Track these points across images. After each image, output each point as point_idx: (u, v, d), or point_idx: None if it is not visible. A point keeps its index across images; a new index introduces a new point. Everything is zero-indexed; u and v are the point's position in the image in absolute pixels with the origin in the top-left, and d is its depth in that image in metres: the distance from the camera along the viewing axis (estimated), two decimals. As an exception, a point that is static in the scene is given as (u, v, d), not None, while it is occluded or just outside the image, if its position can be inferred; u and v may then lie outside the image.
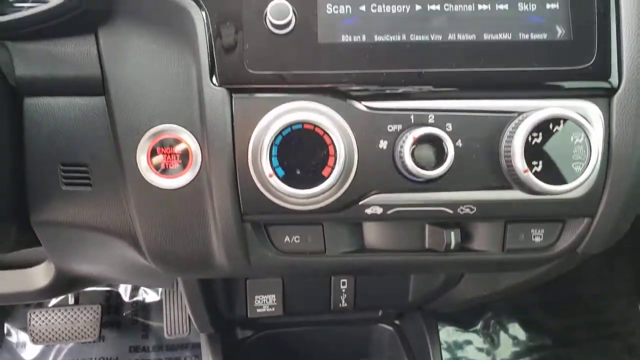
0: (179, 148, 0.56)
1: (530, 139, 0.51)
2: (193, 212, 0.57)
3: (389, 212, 0.55)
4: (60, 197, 0.59)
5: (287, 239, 0.58)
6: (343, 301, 0.88)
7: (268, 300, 0.86)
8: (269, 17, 0.52)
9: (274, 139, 0.50)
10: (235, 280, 0.88)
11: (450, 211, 0.55)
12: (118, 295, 1.52)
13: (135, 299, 1.54)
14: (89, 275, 0.79)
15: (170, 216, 0.57)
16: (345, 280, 0.86)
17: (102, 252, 0.68)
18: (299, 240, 0.58)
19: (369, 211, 0.55)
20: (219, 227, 0.56)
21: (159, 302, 1.52)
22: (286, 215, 0.55)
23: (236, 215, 0.55)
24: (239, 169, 0.53)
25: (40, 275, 0.79)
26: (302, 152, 0.50)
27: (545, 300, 1.35)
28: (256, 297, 0.85)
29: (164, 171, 0.57)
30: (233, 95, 0.54)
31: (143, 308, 1.55)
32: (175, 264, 0.61)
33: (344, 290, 0.87)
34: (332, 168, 0.50)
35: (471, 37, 0.54)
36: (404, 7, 0.54)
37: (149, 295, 1.54)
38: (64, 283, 0.79)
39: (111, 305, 1.53)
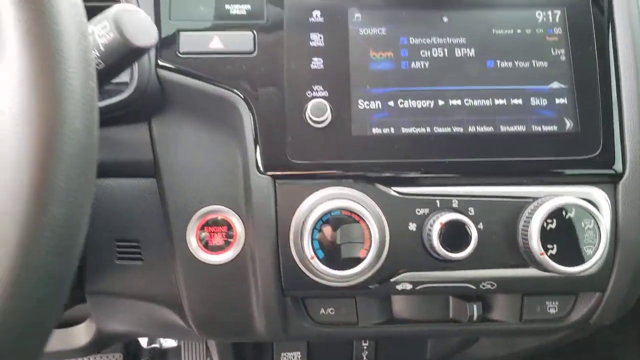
0: (224, 227, 0.62)
1: (545, 224, 0.56)
2: (236, 285, 0.62)
3: (418, 287, 0.60)
4: (114, 270, 0.65)
5: (322, 310, 0.63)
6: (365, 358, 0.92)
7: (294, 357, 0.90)
8: (309, 114, 0.59)
9: (315, 224, 0.56)
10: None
11: (473, 287, 0.61)
12: (137, 342, 1.56)
13: (153, 345, 1.57)
14: (126, 333, 0.84)
15: (214, 288, 0.62)
16: (367, 342, 0.91)
17: (145, 315, 0.73)
18: (333, 313, 0.63)
19: (399, 287, 0.60)
20: (261, 301, 0.61)
21: (177, 348, 1.55)
22: (323, 291, 0.60)
23: (278, 291, 0.60)
24: (281, 250, 0.59)
25: (81, 334, 0.83)
26: (340, 236, 0.56)
27: (556, 349, 1.37)
28: (282, 354, 0.89)
29: (209, 247, 0.62)
30: (276, 181, 0.60)
31: (161, 354, 1.57)
32: (216, 330, 0.66)
33: (365, 348, 0.91)
34: (368, 251, 0.56)
35: (489, 129, 0.60)
36: (428, 102, 0.61)
37: (166, 342, 1.57)
38: (103, 341, 0.84)
39: (130, 352, 1.55)
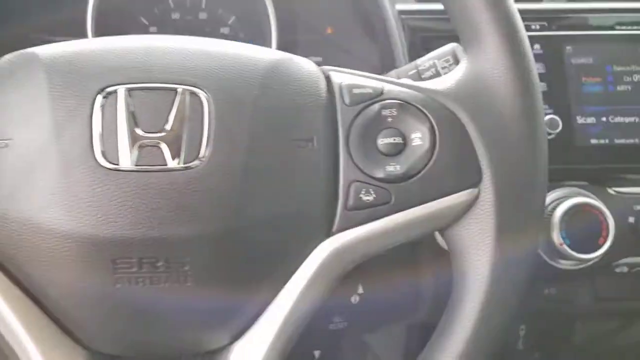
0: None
1: None
2: None
3: (633, 270, 0.73)
4: None
5: (546, 291, 0.76)
6: (520, 344, 1.04)
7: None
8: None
9: (562, 217, 0.69)
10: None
11: (680, 269, 0.74)
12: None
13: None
14: None
15: None
16: (524, 326, 1.03)
17: None
18: (554, 292, 0.76)
19: (617, 270, 0.73)
20: None
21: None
22: (551, 273, 0.73)
23: None
24: None
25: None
26: (582, 226, 0.69)
27: None
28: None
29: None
30: None
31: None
32: None
33: (521, 335, 1.04)
34: (605, 238, 0.69)
35: None
36: (633, 118, 0.74)
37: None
38: None
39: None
